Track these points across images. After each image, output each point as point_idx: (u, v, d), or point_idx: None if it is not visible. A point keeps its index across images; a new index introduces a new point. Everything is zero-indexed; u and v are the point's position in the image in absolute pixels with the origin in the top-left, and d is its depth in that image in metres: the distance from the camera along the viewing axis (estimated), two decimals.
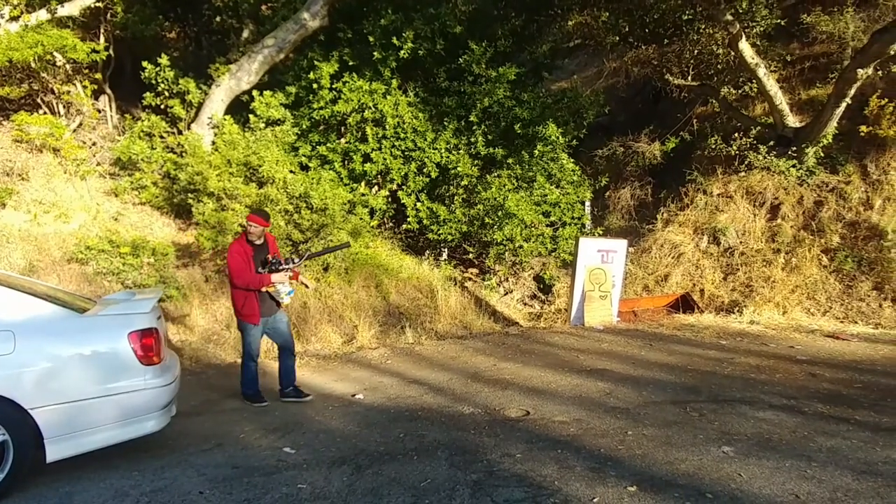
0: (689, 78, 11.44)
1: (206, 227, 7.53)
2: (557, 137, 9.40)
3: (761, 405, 4.65)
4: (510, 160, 9.74)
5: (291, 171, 8.50)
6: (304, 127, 9.60)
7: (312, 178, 8.63)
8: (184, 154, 8.35)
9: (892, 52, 8.54)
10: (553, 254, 9.94)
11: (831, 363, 6.03)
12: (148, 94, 9.02)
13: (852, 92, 9.03)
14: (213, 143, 8.78)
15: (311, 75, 9.43)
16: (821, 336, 7.35)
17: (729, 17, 9.54)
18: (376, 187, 10.06)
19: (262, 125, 8.96)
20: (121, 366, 3.48)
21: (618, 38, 11.07)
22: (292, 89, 9.64)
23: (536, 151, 9.50)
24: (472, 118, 9.65)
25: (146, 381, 3.54)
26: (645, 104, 13.71)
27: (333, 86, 9.45)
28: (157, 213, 8.46)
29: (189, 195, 7.88)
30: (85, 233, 7.36)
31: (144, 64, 8.80)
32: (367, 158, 9.54)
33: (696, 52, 11.22)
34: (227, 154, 8.14)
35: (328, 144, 9.66)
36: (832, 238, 9.15)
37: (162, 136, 8.83)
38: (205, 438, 4.22)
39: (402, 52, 9.29)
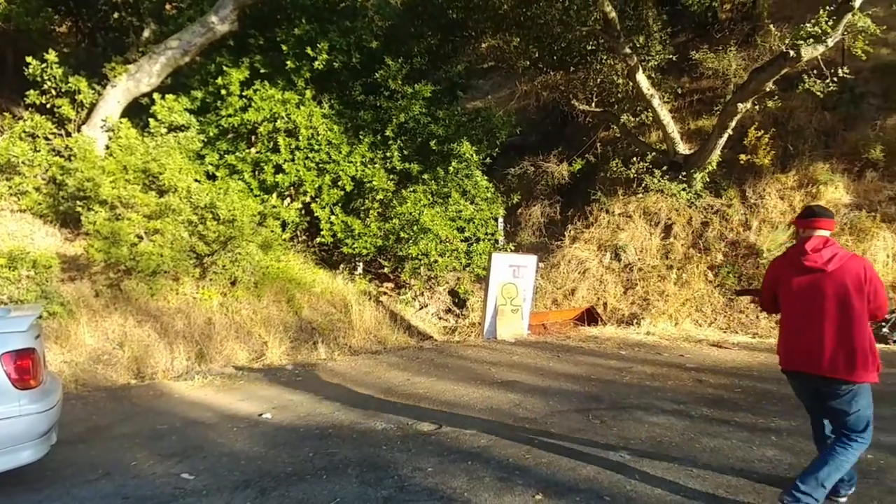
0: (593, 104, 12.16)
1: (97, 238, 6.96)
2: (472, 155, 9.63)
3: (655, 410, 4.93)
4: (426, 176, 9.85)
5: (196, 181, 8.10)
6: (211, 134, 9.19)
7: (220, 188, 8.25)
8: (73, 158, 7.70)
9: (767, 89, 9.55)
10: (467, 268, 10.12)
11: (715, 370, 6.48)
12: (32, 91, 8.25)
13: (733, 124, 9.99)
14: (108, 147, 8.17)
15: (220, 81, 9.07)
16: (707, 345, 7.88)
17: (628, 51, 10.30)
18: (289, 199, 9.79)
19: (164, 130, 8.46)
20: None
21: (528, 63, 11.61)
22: (198, 94, 9.21)
23: (451, 168, 9.68)
24: (387, 133, 9.67)
25: (21, 407, 3.20)
26: (554, 126, 14.39)
27: (244, 93, 9.14)
28: (39, 221, 7.72)
29: (78, 203, 7.27)
30: None
31: (28, 59, 8.05)
32: (279, 169, 9.28)
33: (599, 80, 11.97)
34: (122, 159, 7.61)
35: (237, 153, 9.31)
36: (716, 256, 9.99)
37: (47, 138, 8.09)
38: (91, 467, 3.86)
39: (317, 63, 9.17)
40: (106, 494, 3.45)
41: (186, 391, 5.76)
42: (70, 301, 6.71)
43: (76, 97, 8.35)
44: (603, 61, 11.51)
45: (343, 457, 3.99)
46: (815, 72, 9.21)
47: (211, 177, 9.05)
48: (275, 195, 9.53)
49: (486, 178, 10.23)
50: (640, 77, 10.55)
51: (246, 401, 5.45)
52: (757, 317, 9.13)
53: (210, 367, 6.62)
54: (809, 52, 8.55)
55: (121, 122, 8.31)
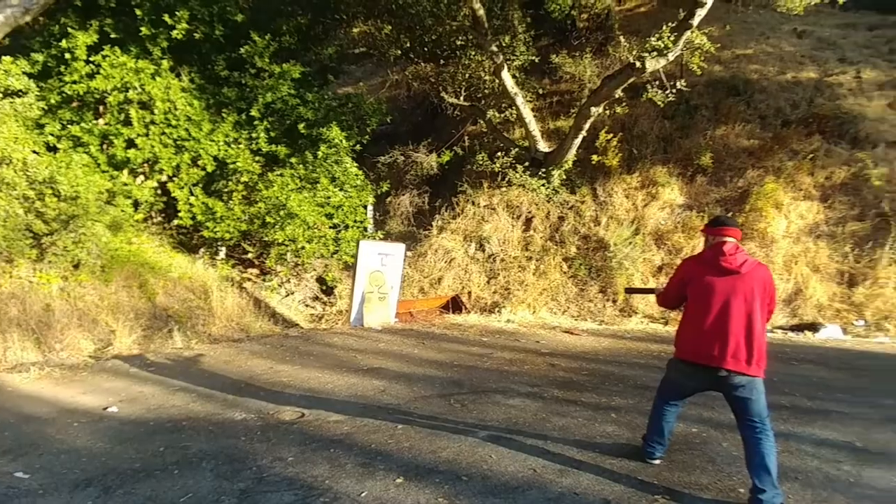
0: (462, 98, 12.54)
1: None
2: (341, 140, 9.51)
3: (512, 393, 5.25)
4: (294, 159, 9.56)
5: (35, 152, 7.19)
6: (52, 102, 8.19)
7: (61, 162, 7.38)
8: None
9: (616, 96, 10.50)
10: (335, 256, 10.01)
11: (567, 355, 7.01)
12: None
13: (587, 126, 10.87)
14: None
15: (64, 44, 8.10)
16: (560, 332, 8.47)
17: (494, 49, 10.77)
18: (142, 177, 8.99)
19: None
20: None
21: (400, 52, 11.67)
22: (39, 57, 8.16)
23: (320, 153, 9.48)
24: (253, 112, 9.23)
25: None
26: (424, 118, 14.64)
27: (91, 58, 8.23)
28: None
29: None
30: None
31: None
32: (131, 144, 8.50)
33: (467, 75, 12.37)
34: None
35: (83, 124, 8.38)
36: (570, 248, 10.86)
37: None
38: None
39: (176, 32, 8.49)
40: None
41: (21, 384, 5.20)
42: None
43: None
44: (471, 57, 11.90)
45: (198, 450, 3.83)
46: (657, 83, 10.25)
47: (52, 149, 8.05)
48: (126, 172, 8.70)
49: (356, 165, 10.16)
50: (506, 75, 11.09)
51: (89, 394, 5.00)
52: (604, 305, 10.09)
53: (48, 358, 5.97)
54: (653, 64, 9.50)
55: None
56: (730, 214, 10.28)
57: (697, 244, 10.32)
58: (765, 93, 12.72)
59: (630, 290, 6.99)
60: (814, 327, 8.93)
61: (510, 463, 3.74)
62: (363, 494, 3.27)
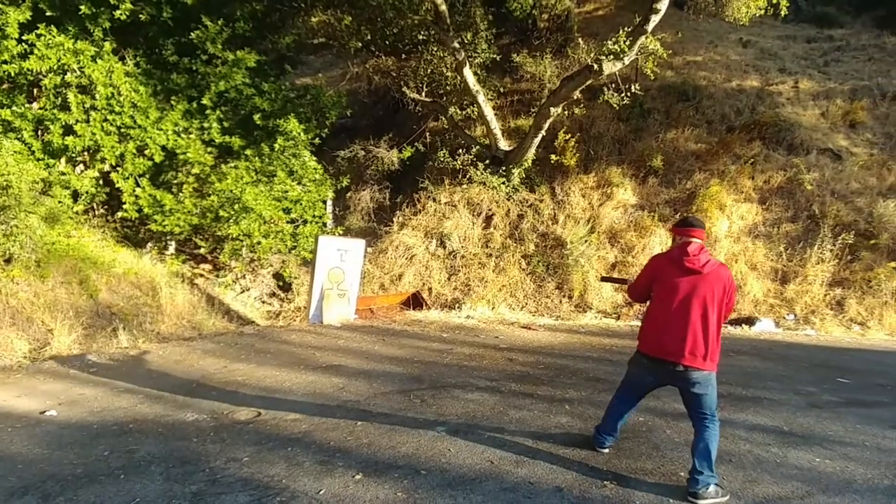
0: (424, 94, 12.48)
1: None
2: (299, 133, 9.28)
3: (470, 388, 5.29)
4: (249, 151, 9.27)
5: None
6: None
7: None
8: None
9: (575, 97, 10.66)
10: (293, 251, 9.77)
11: (524, 349, 7.11)
12: None
13: (547, 126, 10.99)
14: None
15: None
16: (518, 327, 8.58)
17: (456, 45, 10.74)
18: (82, 166, 8.53)
19: None
20: None
21: (360, 45, 11.49)
22: None
23: (277, 145, 9.23)
24: (205, 101, 8.90)
25: None
26: (385, 112, 14.49)
27: (24, 37, 7.72)
28: None
29: None
30: None
31: None
32: (69, 131, 8.03)
33: (429, 70, 12.31)
34: None
35: (14, 108, 7.87)
36: (529, 246, 10.97)
37: None
38: None
39: (119, 12, 8.09)
40: None
41: None
42: None
43: None
44: (433, 52, 11.84)
45: (146, 453, 3.64)
46: (613, 86, 10.51)
47: None
48: (64, 160, 8.23)
49: (314, 158, 9.94)
50: (468, 72, 11.08)
51: (24, 397, 4.69)
52: (561, 301, 10.24)
53: None
54: (610, 67, 9.70)
55: None
56: (677, 215, 10.63)
57: (648, 243, 10.65)
58: (712, 99, 13.24)
59: (605, 279, 7.17)
60: (750, 321, 9.40)
61: (468, 455, 3.78)
62: (321, 492, 3.21)
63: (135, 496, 3.09)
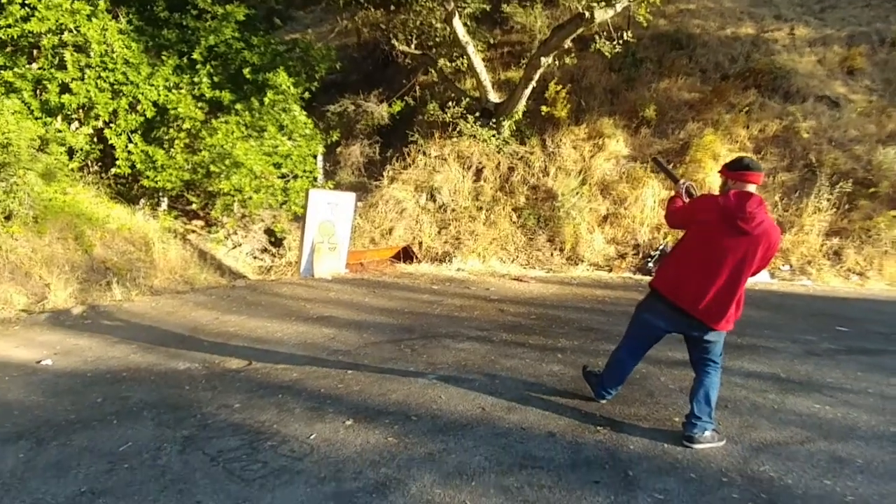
0: (413, 46, 12.23)
1: None
2: (289, 87, 9.17)
3: (461, 338, 5.35)
4: (239, 106, 9.18)
5: None
6: None
7: None
8: None
9: (566, 46, 10.46)
10: (284, 206, 9.80)
11: (515, 301, 7.16)
12: None
13: (537, 77, 10.82)
14: None
15: None
16: (509, 279, 8.64)
17: None
18: (77, 123, 8.49)
19: None
20: None
21: None
22: None
23: (267, 100, 9.13)
24: (195, 56, 8.78)
25: None
26: (375, 66, 14.22)
27: (26, 1, 7.64)
28: None
29: None
30: None
31: None
32: (65, 89, 8.03)
33: (419, 22, 12.03)
34: None
35: (16, 69, 7.90)
36: (520, 199, 10.97)
37: None
38: None
39: None
40: None
41: None
42: None
43: None
44: (423, 3, 11.54)
45: (138, 400, 3.78)
46: (605, 34, 10.29)
47: None
48: (60, 118, 8.21)
49: (304, 113, 9.83)
50: (457, 23, 10.83)
51: (21, 347, 4.83)
52: (552, 254, 10.32)
53: None
54: (602, 14, 9.48)
55: None
56: (671, 166, 10.57)
57: (641, 194, 10.60)
58: (706, 47, 12.94)
59: (656, 161, 6.56)
60: None
61: (459, 402, 3.81)
62: (312, 437, 3.28)
63: (127, 440, 3.22)
